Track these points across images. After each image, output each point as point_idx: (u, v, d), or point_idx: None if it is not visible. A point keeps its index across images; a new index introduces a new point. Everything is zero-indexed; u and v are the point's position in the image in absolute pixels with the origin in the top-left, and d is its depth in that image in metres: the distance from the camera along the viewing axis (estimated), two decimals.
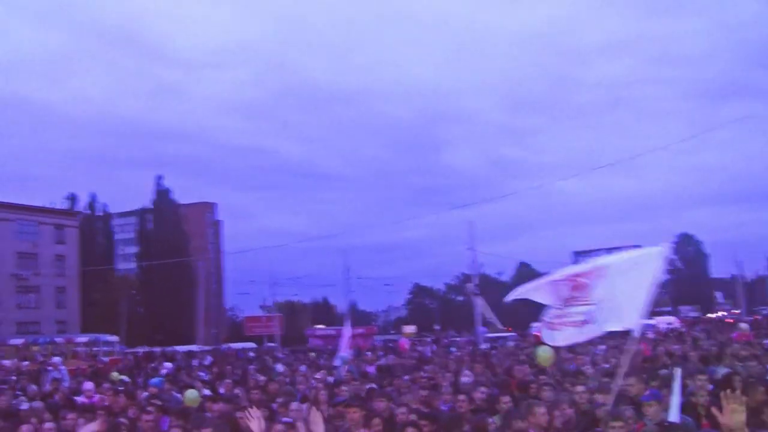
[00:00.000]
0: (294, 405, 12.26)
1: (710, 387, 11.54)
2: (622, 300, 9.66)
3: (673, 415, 8.32)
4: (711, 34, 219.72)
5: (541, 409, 9.59)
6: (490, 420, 10.55)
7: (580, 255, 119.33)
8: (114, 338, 58.53)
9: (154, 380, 18.53)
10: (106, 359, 50.29)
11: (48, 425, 10.98)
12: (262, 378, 22.38)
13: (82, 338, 56.31)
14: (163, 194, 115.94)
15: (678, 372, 8.63)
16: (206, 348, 67.30)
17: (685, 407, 9.64)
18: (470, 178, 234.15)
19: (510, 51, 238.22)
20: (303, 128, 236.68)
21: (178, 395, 16.95)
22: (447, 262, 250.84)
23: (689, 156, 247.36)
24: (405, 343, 29.38)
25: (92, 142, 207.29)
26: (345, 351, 25.61)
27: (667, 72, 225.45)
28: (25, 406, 15.78)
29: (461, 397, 11.78)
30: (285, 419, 11.44)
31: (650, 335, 50.94)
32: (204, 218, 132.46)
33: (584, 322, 10.08)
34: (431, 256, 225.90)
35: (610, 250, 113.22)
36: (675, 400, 8.32)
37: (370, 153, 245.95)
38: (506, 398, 11.69)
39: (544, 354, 13.79)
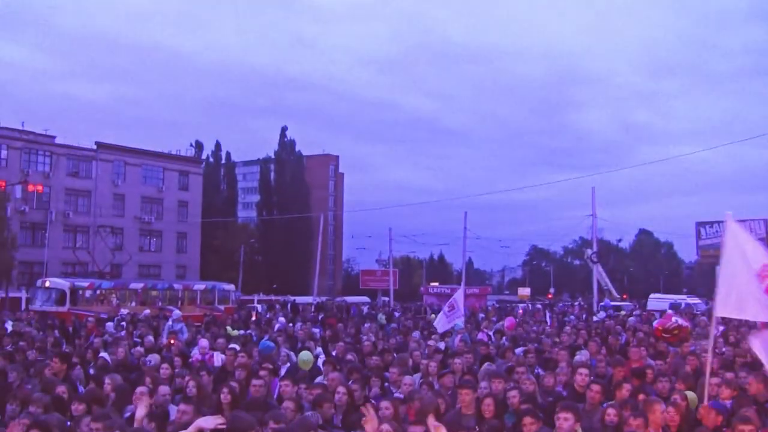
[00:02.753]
0: (407, 379, 12.12)
1: None
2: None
3: None
4: None
5: (660, 407, 9.12)
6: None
7: (703, 225, 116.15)
8: (230, 287, 59.24)
9: (265, 343, 18.56)
10: (221, 307, 51.02)
11: (163, 389, 11.04)
12: (374, 339, 22.39)
13: (200, 285, 57.18)
14: (287, 145, 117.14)
15: None
16: (321, 299, 67.83)
17: None
18: (599, 141, 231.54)
19: (649, 12, 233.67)
20: (434, 84, 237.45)
21: (292, 354, 17.04)
22: (566, 226, 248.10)
23: None
24: (512, 323, 28.74)
25: (221, 91, 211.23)
26: (460, 316, 25.37)
27: None
28: (145, 359, 16.00)
29: (595, 387, 11.12)
30: (397, 394, 11.38)
31: None
32: (326, 170, 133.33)
33: None
34: (551, 218, 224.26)
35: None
36: None
37: (500, 112, 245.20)
38: (627, 386, 11.35)
39: None
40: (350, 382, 11.55)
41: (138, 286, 52.49)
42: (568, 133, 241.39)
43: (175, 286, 55.63)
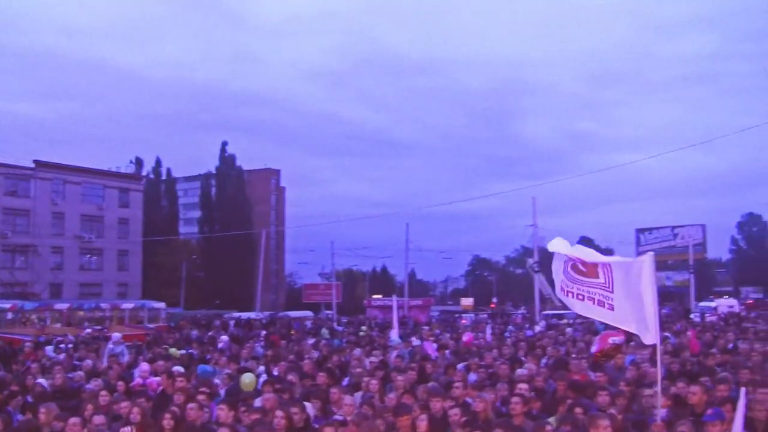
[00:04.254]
0: (348, 399, 12.05)
1: None
2: (633, 308, 9.95)
3: None
4: None
5: (605, 422, 9.03)
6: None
7: (642, 232, 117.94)
8: (161, 305, 58.33)
9: (203, 367, 18.36)
10: (152, 326, 50.14)
11: (97, 418, 10.88)
12: (316, 354, 22.38)
13: (128, 304, 56.29)
14: (227, 160, 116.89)
15: (743, 391, 8.29)
16: (263, 315, 67.58)
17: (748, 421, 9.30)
18: (542, 150, 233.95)
19: (590, 22, 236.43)
20: (379, 97, 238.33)
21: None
22: (509, 235, 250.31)
23: (766, 134, 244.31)
24: (470, 338, 28.77)
25: (164, 107, 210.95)
26: (395, 333, 25.49)
27: (749, 48, 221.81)
28: (84, 383, 15.84)
29: (515, 399, 11.31)
30: (337, 416, 11.30)
31: (712, 318, 50.23)
32: (268, 184, 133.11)
33: (599, 302, 10.60)
34: (494, 228, 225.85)
35: (673, 228, 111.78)
36: (739, 420, 8.00)
37: (445, 122, 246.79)
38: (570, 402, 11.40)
39: None
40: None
41: (63, 306, 51.47)
42: (512, 142, 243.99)
43: (102, 305, 54.57)
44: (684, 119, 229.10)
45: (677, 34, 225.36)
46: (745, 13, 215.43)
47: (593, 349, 20.34)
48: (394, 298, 41.01)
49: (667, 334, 26.00)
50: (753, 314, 55.33)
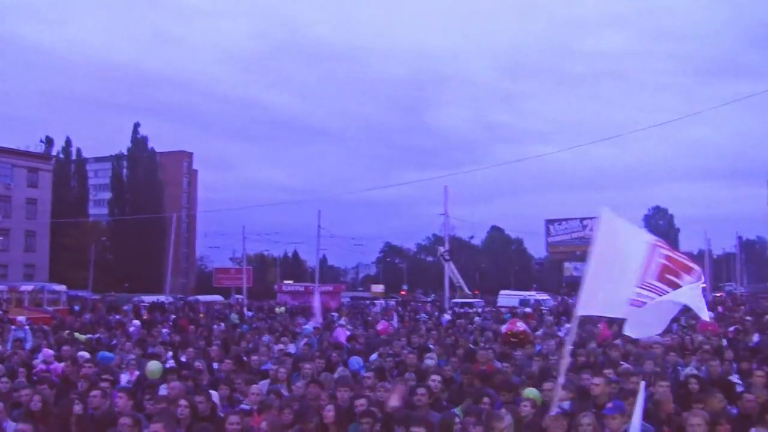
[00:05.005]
0: (255, 389, 11.88)
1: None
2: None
3: (635, 428, 8.09)
4: (710, 11, 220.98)
5: (501, 424, 9.04)
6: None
7: (552, 223, 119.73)
8: (61, 287, 56.55)
9: (103, 353, 17.94)
10: (51, 309, 48.65)
11: None
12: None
13: (27, 286, 54.53)
14: (139, 142, 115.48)
15: (643, 385, 8.39)
16: (173, 299, 66.90)
17: (648, 413, 9.45)
18: (458, 140, 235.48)
19: (508, 16, 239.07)
20: (298, 82, 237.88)
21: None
22: (421, 223, 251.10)
23: (675, 131, 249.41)
24: (385, 327, 28.67)
25: (78, 86, 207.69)
26: (316, 320, 25.43)
27: (664, 47, 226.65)
28: None
29: (420, 390, 11.18)
30: (243, 406, 11.18)
31: None
32: (180, 167, 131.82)
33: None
34: (406, 216, 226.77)
35: (582, 220, 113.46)
36: (638, 413, 8.09)
37: (362, 110, 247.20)
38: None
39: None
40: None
41: None
42: (427, 131, 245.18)
43: (0, 287, 53.09)
44: (596, 114, 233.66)
45: (592, 30, 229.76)
46: (659, 12, 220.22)
47: (503, 329, 20.70)
48: (316, 286, 40.89)
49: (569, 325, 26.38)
50: None
